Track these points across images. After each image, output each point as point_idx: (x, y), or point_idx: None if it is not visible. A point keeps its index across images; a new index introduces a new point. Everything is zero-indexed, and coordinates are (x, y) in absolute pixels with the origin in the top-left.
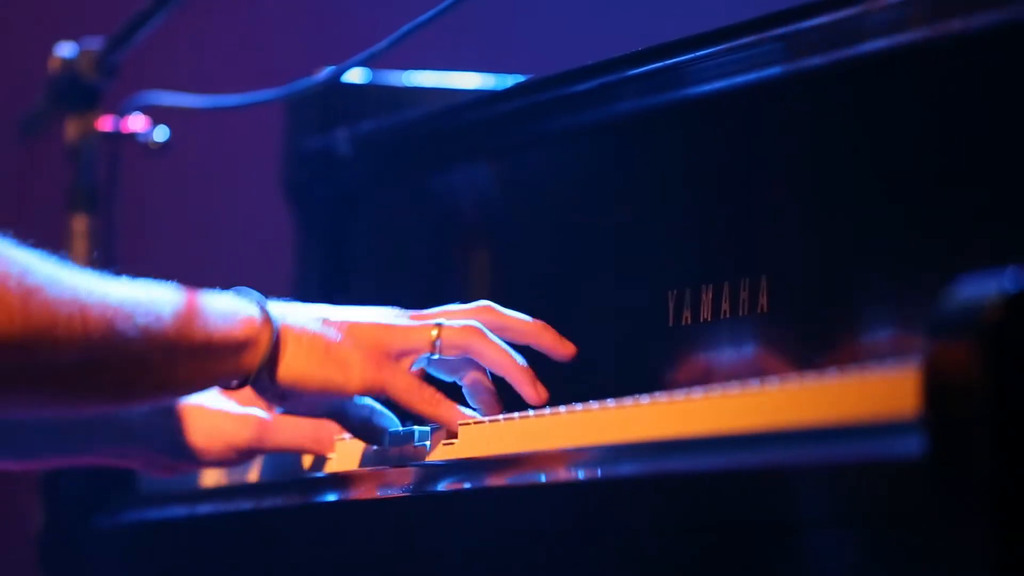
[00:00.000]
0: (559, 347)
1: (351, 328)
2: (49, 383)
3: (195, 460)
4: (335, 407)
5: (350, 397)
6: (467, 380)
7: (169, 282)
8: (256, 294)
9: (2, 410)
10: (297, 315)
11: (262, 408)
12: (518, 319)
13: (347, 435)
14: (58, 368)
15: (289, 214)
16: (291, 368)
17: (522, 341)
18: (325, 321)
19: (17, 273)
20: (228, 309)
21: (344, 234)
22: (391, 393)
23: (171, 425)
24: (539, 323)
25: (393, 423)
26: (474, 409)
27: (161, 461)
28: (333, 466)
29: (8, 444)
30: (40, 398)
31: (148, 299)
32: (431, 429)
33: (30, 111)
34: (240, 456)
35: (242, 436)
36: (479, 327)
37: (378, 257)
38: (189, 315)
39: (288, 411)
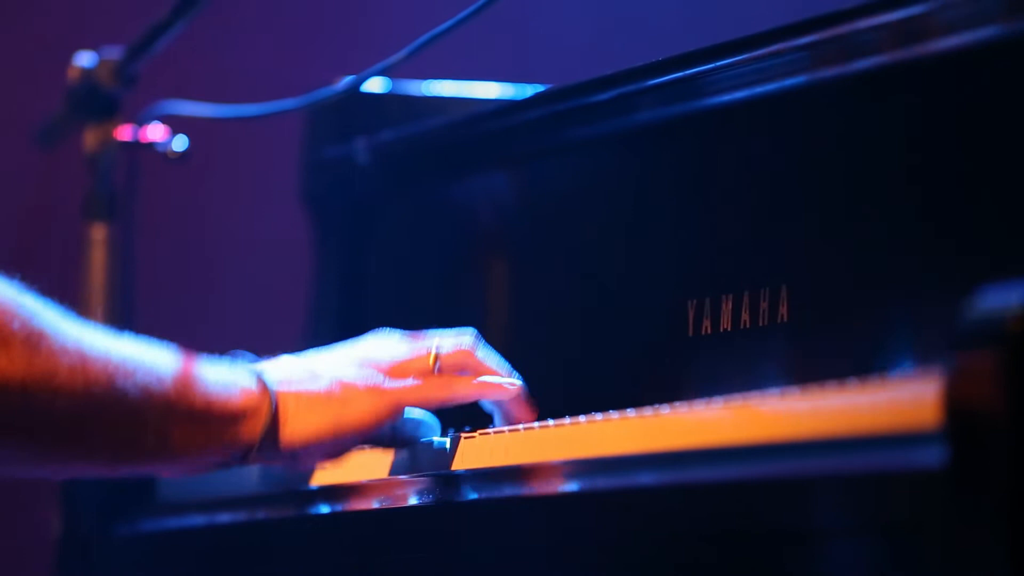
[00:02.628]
0: (521, 414)
1: (348, 369)
2: (44, 434)
3: None
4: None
5: (368, 433)
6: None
7: (168, 344)
8: (251, 358)
9: None
10: (291, 375)
11: None
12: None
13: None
14: (55, 418)
15: (307, 223)
16: (296, 428)
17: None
18: (316, 372)
19: (23, 317)
20: (226, 378)
21: (362, 244)
22: (407, 402)
23: None
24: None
25: (424, 422)
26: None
27: None
28: (347, 476)
29: None
30: (33, 450)
31: (150, 359)
32: (448, 439)
33: (49, 120)
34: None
35: None
36: (472, 348)
37: (396, 267)
38: (189, 379)
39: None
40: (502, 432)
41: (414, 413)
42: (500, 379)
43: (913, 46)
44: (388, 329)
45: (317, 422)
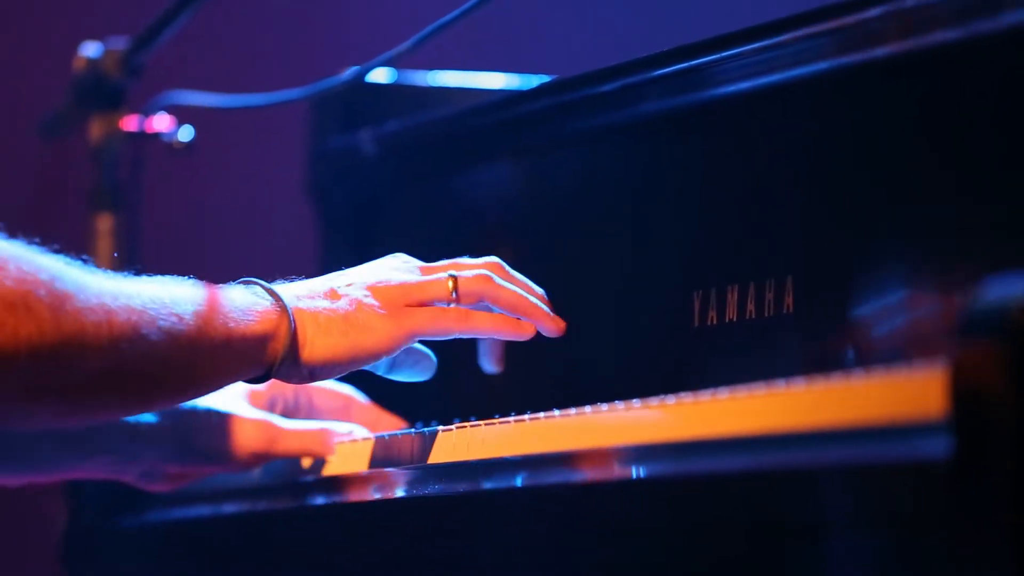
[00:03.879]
0: (549, 322)
1: (367, 292)
2: (75, 391)
3: (206, 463)
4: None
5: (381, 358)
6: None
7: (186, 278)
8: (263, 283)
9: (28, 421)
10: (308, 294)
11: (288, 395)
12: (522, 282)
13: (354, 437)
14: (85, 376)
15: (312, 214)
16: (315, 349)
17: (516, 310)
18: (336, 292)
19: (47, 281)
20: (244, 303)
21: (367, 234)
22: (421, 333)
23: (183, 427)
24: (538, 292)
25: (426, 354)
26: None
27: (164, 469)
28: (351, 468)
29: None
30: (66, 407)
31: (170, 299)
32: (454, 427)
33: (55, 111)
34: (252, 460)
35: (256, 441)
36: (490, 275)
37: None
38: (208, 313)
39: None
40: (508, 422)
41: (417, 347)
42: (519, 317)
43: (921, 36)
44: (405, 255)
45: (335, 344)
